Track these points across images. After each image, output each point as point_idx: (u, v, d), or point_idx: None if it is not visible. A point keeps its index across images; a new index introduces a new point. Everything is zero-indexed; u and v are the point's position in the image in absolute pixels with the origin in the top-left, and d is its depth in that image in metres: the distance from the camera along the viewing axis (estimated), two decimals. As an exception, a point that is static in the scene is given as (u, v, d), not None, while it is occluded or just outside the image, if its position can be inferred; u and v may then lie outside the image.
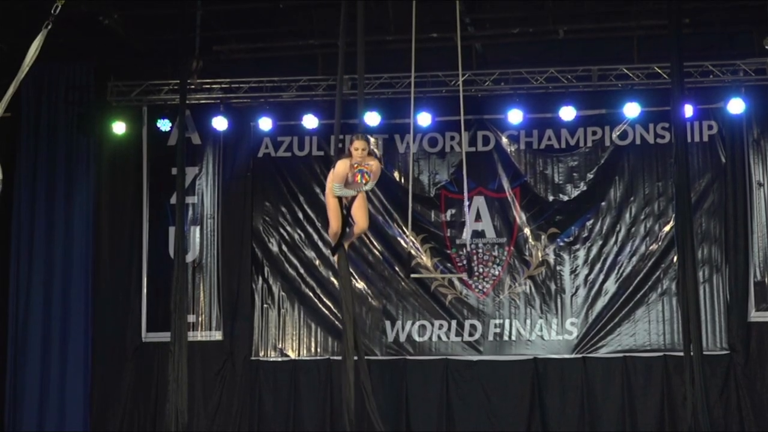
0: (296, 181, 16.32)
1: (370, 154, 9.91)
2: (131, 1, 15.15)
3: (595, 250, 15.72)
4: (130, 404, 16.12)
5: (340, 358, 15.78)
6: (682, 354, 14.25)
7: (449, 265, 15.95)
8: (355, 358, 10.54)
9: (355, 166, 9.71)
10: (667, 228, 15.52)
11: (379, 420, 11.66)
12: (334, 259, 11.38)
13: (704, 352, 14.08)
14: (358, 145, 9.75)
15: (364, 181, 9.76)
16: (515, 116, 15.52)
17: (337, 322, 16.03)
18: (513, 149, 16.06)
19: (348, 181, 9.77)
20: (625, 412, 15.21)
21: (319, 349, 16.08)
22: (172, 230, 16.05)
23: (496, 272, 15.87)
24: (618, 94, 15.48)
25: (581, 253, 15.76)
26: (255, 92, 15.96)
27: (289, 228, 16.32)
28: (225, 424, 15.95)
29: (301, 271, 16.23)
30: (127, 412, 16.10)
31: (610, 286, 15.62)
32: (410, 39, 12.30)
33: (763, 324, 15.15)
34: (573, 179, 15.93)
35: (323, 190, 15.86)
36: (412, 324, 15.89)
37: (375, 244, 16.03)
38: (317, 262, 16.20)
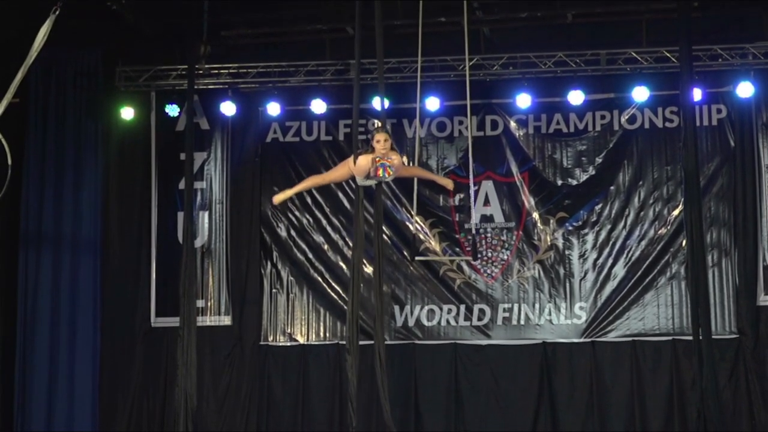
0: (304, 165, 16.29)
1: (393, 148, 9.95)
2: (139, -15, 15.19)
3: (603, 234, 15.72)
4: (139, 389, 16.16)
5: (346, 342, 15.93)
6: (691, 338, 14.30)
7: (458, 249, 15.96)
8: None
9: (377, 160, 9.76)
10: (675, 212, 15.51)
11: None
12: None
13: (713, 336, 14.12)
14: (379, 137, 9.81)
15: (386, 175, 9.83)
16: (523, 100, 15.51)
17: (345, 307, 16.06)
18: (521, 133, 16.05)
19: (369, 174, 9.82)
20: (634, 396, 15.23)
21: (328, 334, 16.11)
22: (180, 215, 16.06)
23: (505, 257, 15.88)
24: (626, 78, 15.47)
25: (590, 238, 15.76)
26: (263, 77, 15.96)
27: (297, 213, 16.33)
28: (234, 409, 15.99)
29: (310, 255, 16.24)
30: (136, 396, 16.14)
31: (619, 270, 15.61)
32: (418, 24, 12.31)
33: (772, 308, 15.18)
34: (581, 163, 15.92)
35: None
36: (421, 308, 15.91)
37: (383, 228, 16.02)
38: (326, 247, 16.22)
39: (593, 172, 15.88)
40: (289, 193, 10.90)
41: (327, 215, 16.19)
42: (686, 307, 15.08)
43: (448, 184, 11.04)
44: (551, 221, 15.85)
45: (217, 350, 16.18)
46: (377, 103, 14.93)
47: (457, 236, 16.00)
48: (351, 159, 9.98)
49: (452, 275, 15.97)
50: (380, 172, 9.82)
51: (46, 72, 16.29)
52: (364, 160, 9.83)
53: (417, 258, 15.61)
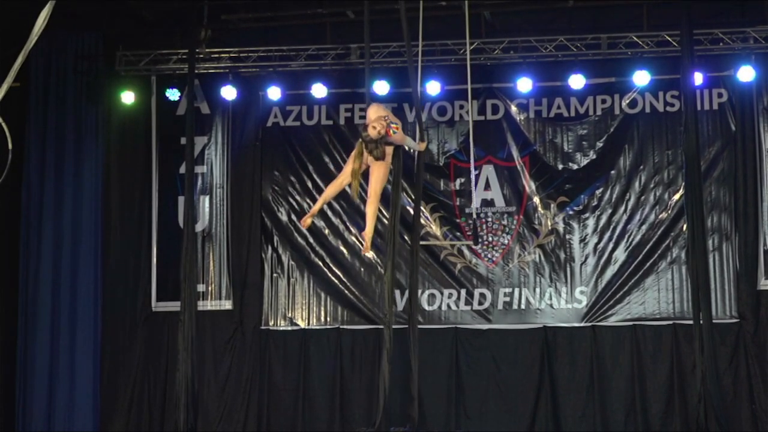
0: (305, 150, 16.32)
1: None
2: (139, -31, 15.18)
3: (604, 218, 15.71)
4: (140, 373, 16.18)
5: (354, 326, 15.96)
6: (691, 322, 14.33)
7: (458, 234, 15.96)
8: None
9: (386, 118, 9.76)
10: (676, 196, 15.51)
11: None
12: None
13: (714, 321, 14.17)
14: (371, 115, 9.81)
15: (386, 133, 9.78)
16: (524, 84, 15.50)
17: (346, 291, 16.08)
18: (522, 118, 16.04)
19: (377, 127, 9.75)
20: (635, 381, 15.25)
21: (328, 319, 16.12)
22: (181, 200, 16.07)
23: (506, 241, 15.88)
24: (627, 62, 15.45)
25: (591, 222, 15.76)
26: (264, 61, 15.95)
27: (298, 197, 16.33)
28: (235, 393, 16.02)
29: (311, 240, 16.24)
30: (138, 380, 16.16)
31: (620, 254, 15.61)
32: (419, 7, 12.29)
33: (772, 292, 15.20)
34: (582, 148, 15.91)
35: (332, 159, 15.98)
36: (422, 293, 15.88)
37: (384, 212, 16.02)
38: (326, 232, 16.22)
39: (594, 157, 15.88)
40: (314, 210, 10.68)
41: (328, 199, 16.18)
42: (687, 292, 15.09)
43: (421, 146, 11.13)
44: (552, 205, 15.85)
45: (218, 334, 16.20)
46: (378, 87, 15.07)
47: (457, 221, 16.00)
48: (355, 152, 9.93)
49: (453, 260, 15.97)
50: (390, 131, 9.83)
51: (46, 56, 16.29)
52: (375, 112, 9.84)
53: (420, 243, 15.60)
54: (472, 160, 13.77)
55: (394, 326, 15.68)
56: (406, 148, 10.67)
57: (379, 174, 10.06)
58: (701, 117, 15.23)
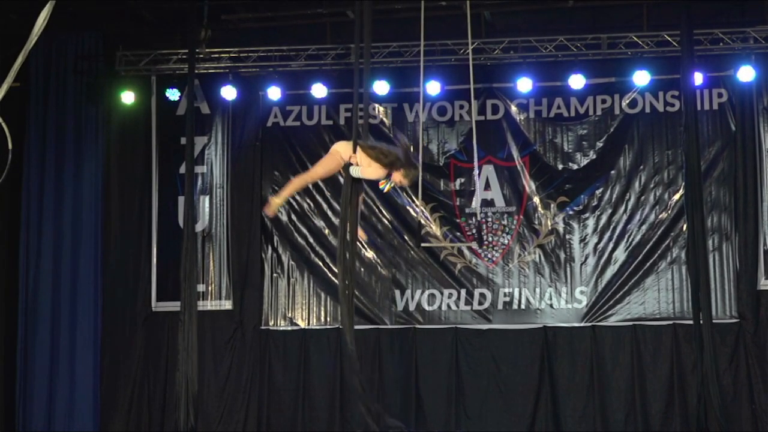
0: (305, 150, 16.30)
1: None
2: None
3: (604, 218, 15.71)
4: (141, 373, 16.18)
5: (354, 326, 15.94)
6: (691, 322, 14.34)
7: (458, 234, 15.95)
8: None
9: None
10: (676, 196, 15.51)
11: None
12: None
13: (714, 321, 14.16)
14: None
15: (382, 185, 9.44)
16: (524, 85, 15.50)
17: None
18: (522, 118, 16.04)
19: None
20: (635, 381, 15.25)
21: (328, 318, 16.11)
22: (181, 200, 16.07)
23: (506, 241, 15.87)
24: (628, 62, 15.45)
25: (591, 222, 15.75)
26: (264, 61, 15.95)
27: (298, 197, 16.30)
28: (235, 393, 16.02)
29: (311, 240, 16.24)
30: (138, 381, 16.16)
31: (620, 254, 15.61)
32: (419, 7, 12.29)
33: (772, 292, 15.19)
34: (582, 148, 15.90)
35: (332, 159, 15.94)
36: (422, 293, 15.90)
37: (384, 213, 16.04)
38: (326, 231, 16.21)
39: (594, 157, 15.88)
40: (279, 200, 10.09)
41: (327, 200, 16.18)
42: (687, 292, 15.09)
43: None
44: (552, 205, 15.84)
45: (218, 334, 16.20)
46: (377, 87, 15.07)
47: (457, 221, 15.99)
48: (341, 150, 9.55)
49: (453, 260, 15.97)
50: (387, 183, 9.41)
51: (46, 56, 16.29)
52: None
53: (422, 245, 15.62)
54: (475, 160, 13.76)
55: (394, 326, 15.81)
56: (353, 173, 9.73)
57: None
58: (701, 117, 15.23)
